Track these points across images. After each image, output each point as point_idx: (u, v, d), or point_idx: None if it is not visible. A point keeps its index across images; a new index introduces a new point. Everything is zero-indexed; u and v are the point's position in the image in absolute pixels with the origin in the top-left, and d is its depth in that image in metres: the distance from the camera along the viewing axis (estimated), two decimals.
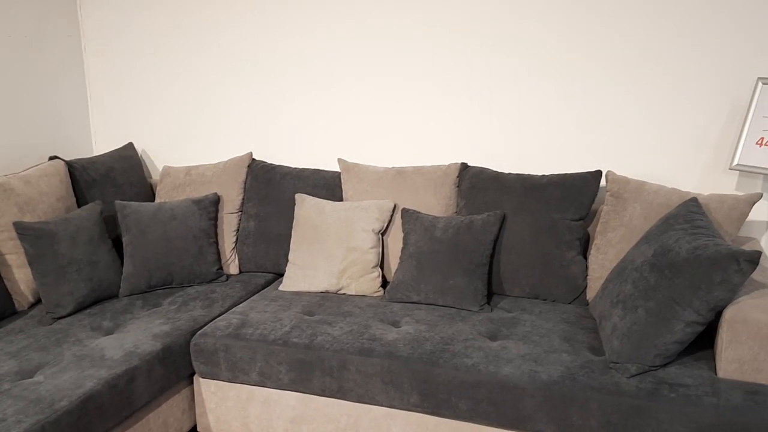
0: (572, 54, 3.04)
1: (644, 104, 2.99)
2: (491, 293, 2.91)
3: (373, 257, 2.94)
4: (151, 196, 3.53)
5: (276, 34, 3.46)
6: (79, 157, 3.80)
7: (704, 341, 2.40)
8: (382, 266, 3.04)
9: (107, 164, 3.39)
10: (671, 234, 2.35)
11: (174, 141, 3.77)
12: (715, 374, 2.19)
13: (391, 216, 3.03)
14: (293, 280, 2.99)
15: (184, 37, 3.62)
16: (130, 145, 3.62)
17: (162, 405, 2.56)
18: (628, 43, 2.95)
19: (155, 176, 3.84)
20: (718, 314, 2.23)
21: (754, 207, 2.91)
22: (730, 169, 2.74)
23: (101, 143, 3.90)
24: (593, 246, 2.82)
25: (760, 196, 2.54)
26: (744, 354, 2.13)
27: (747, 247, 2.70)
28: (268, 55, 3.50)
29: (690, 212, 2.47)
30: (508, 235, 2.85)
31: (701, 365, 2.24)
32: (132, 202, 3.13)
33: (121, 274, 3.02)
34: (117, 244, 3.20)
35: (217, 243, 3.21)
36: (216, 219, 3.24)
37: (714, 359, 2.27)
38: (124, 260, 3.02)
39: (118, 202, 3.11)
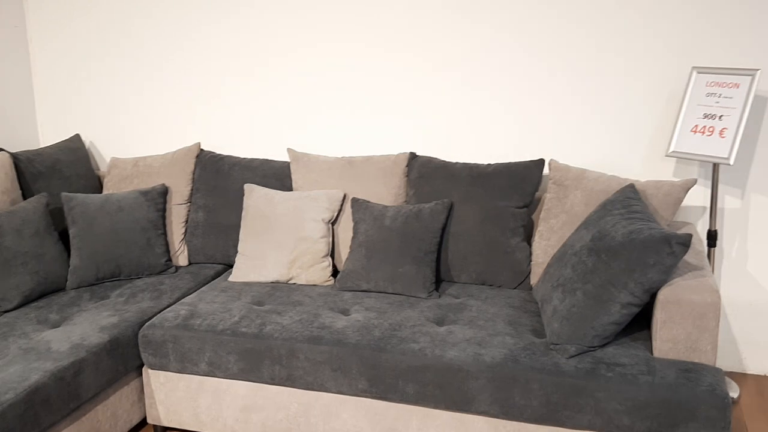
0: (516, 46, 3.10)
1: (585, 95, 3.07)
2: (439, 280, 2.96)
3: (323, 247, 2.97)
4: (98, 188, 3.49)
5: (225, 25, 3.45)
6: (25, 149, 3.72)
7: (641, 322, 2.49)
8: (332, 256, 3.07)
9: (54, 156, 3.34)
10: (608, 219, 2.43)
11: (122, 132, 3.73)
12: (651, 354, 2.28)
13: (341, 205, 3.06)
14: (243, 271, 3.00)
15: (131, 28, 3.58)
16: (77, 137, 3.57)
17: (111, 397, 2.56)
18: (570, 35, 3.03)
19: (103, 168, 3.80)
20: (654, 296, 2.32)
21: (689, 192, 3.02)
22: (666, 156, 2.84)
23: (48, 135, 3.84)
24: (536, 232, 2.90)
25: (694, 182, 2.63)
26: (678, 333, 2.22)
27: (682, 232, 2.80)
28: (216, 45, 3.48)
29: (627, 198, 2.55)
30: (456, 223, 2.91)
31: (638, 345, 2.33)
32: (78, 194, 3.09)
33: (68, 266, 2.99)
34: (64, 237, 3.16)
35: (165, 234, 3.20)
36: (164, 210, 3.22)
37: (650, 339, 2.36)
38: (71, 253, 2.99)
39: (64, 194, 3.07)
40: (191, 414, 2.65)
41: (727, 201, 3.01)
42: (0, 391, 2.12)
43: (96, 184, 3.50)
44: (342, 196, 3.06)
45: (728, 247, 3.05)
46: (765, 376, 3.12)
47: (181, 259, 3.25)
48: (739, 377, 3.11)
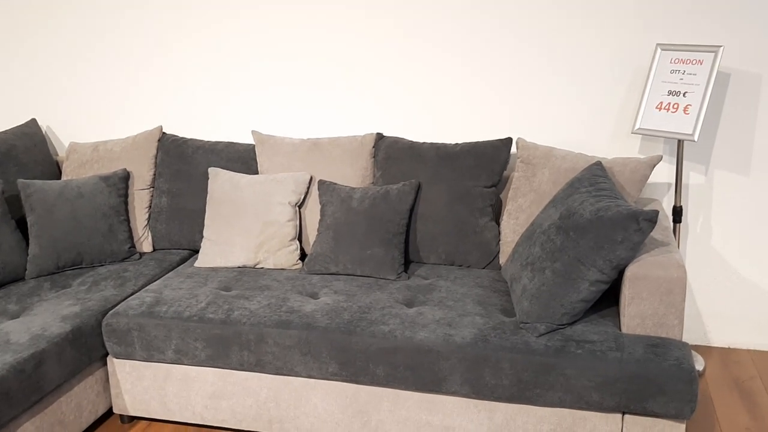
0: (481, 24, 3.07)
1: (551, 73, 3.06)
2: (408, 261, 2.94)
3: (290, 230, 2.93)
4: (57, 174, 3.40)
5: (185, 4, 3.36)
6: None
7: (609, 299, 2.50)
8: (300, 239, 3.03)
9: (8, 142, 3.23)
10: (576, 197, 2.43)
11: (80, 116, 3.63)
12: (620, 330, 2.30)
13: (308, 188, 3.02)
14: (209, 256, 2.95)
15: (87, 6, 3.47)
16: (33, 122, 3.46)
17: (75, 388, 2.50)
18: (536, 13, 3.01)
19: (61, 153, 3.70)
20: (621, 272, 2.33)
21: (655, 169, 3.04)
22: (632, 133, 2.85)
23: (1, 120, 3.72)
24: (505, 212, 2.89)
25: (660, 159, 2.65)
26: (645, 309, 2.24)
27: (648, 208, 2.82)
28: (176, 25, 3.39)
29: (594, 176, 2.56)
30: (424, 204, 2.89)
31: (606, 322, 2.34)
32: (36, 181, 3.00)
33: (27, 255, 2.90)
34: (21, 225, 3.07)
35: (128, 221, 3.13)
36: (126, 196, 3.15)
37: (618, 316, 2.38)
38: (30, 241, 2.91)
39: (20, 180, 2.98)
40: (159, 402, 2.61)
41: (692, 177, 3.03)
42: None
43: (54, 170, 3.40)
44: (308, 178, 3.02)
45: (693, 222, 3.08)
46: (729, 348, 3.18)
47: (145, 245, 3.18)
48: (704, 350, 3.16)
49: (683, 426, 2.16)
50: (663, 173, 3.06)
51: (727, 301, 3.13)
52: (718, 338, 3.19)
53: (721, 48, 2.65)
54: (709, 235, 3.07)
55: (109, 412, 2.79)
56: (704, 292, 3.15)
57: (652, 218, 2.15)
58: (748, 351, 3.14)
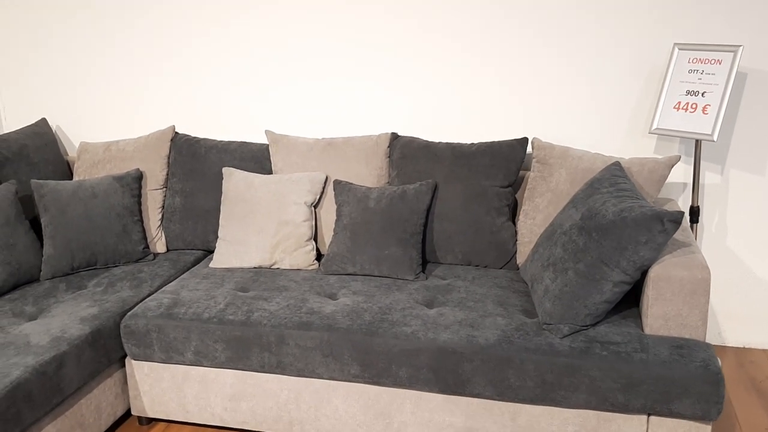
0: (497, 23, 3.06)
1: (566, 72, 3.05)
2: (425, 261, 2.93)
3: (306, 230, 2.92)
4: (68, 174, 3.37)
5: (198, 3, 3.33)
6: None
7: (628, 300, 2.50)
8: (315, 239, 3.01)
9: (20, 141, 3.21)
10: (597, 197, 2.43)
11: (90, 116, 3.60)
12: (642, 331, 2.29)
13: (323, 188, 3.01)
14: (224, 257, 2.94)
15: (97, 6, 3.44)
16: (44, 121, 3.44)
17: (94, 390, 2.48)
18: (551, 13, 3.00)
19: (72, 153, 3.67)
20: (643, 273, 2.32)
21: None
22: (649, 133, 2.85)
23: (11, 120, 3.69)
24: (521, 212, 2.88)
25: (678, 159, 2.64)
26: (669, 310, 2.24)
27: (666, 208, 2.81)
28: (189, 23, 3.37)
29: (614, 176, 2.55)
30: (440, 204, 2.88)
31: (628, 323, 2.33)
32: (49, 181, 2.98)
33: (42, 256, 2.88)
34: (33, 226, 3.05)
35: (141, 221, 3.11)
36: (140, 196, 3.13)
37: (639, 317, 2.37)
38: (44, 242, 2.89)
39: (34, 181, 2.95)
40: (177, 404, 2.59)
41: (707, 177, 3.03)
42: None
43: (65, 169, 3.37)
44: (324, 178, 3.00)
45: (708, 222, 3.08)
46: (744, 348, 3.18)
47: (159, 245, 3.16)
48: (719, 350, 3.17)
49: (709, 427, 2.16)
50: (677, 173, 3.06)
51: (742, 301, 3.13)
52: (733, 338, 3.19)
53: (741, 48, 2.65)
54: (724, 235, 3.07)
55: (127, 414, 2.77)
56: (719, 292, 3.15)
57: (677, 219, 2.15)
58: (764, 351, 3.14)
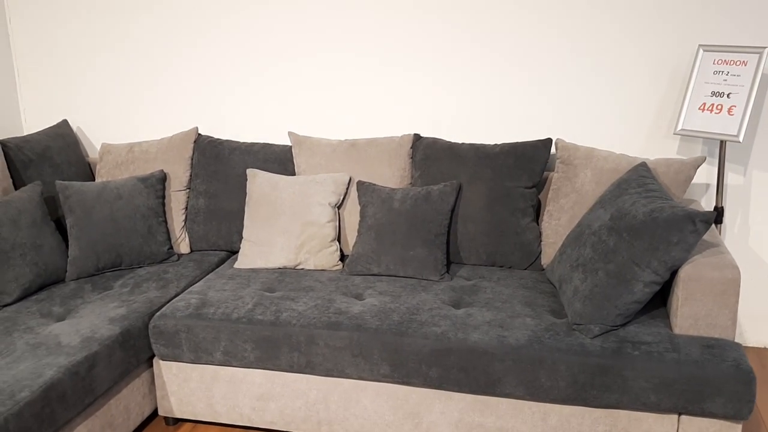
0: (520, 25, 3.07)
1: (590, 73, 3.06)
2: (449, 262, 2.94)
3: (330, 231, 2.92)
4: (90, 175, 3.39)
5: (220, 4, 3.35)
6: (9, 136, 3.59)
7: (655, 300, 2.50)
8: (338, 240, 3.02)
9: (43, 143, 3.22)
10: (626, 198, 2.43)
11: (112, 117, 3.61)
12: (671, 330, 2.30)
13: (347, 189, 3.01)
14: (249, 257, 2.94)
15: (119, 6, 3.46)
16: (65, 123, 3.45)
17: (122, 390, 2.49)
18: (575, 13, 3.01)
19: (92, 155, 3.68)
20: (672, 273, 2.33)
21: None
22: (674, 134, 2.85)
23: (32, 121, 3.71)
24: (545, 212, 2.89)
25: (704, 160, 2.65)
26: (698, 310, 2.24)
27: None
28: (213, 23, 3.38)
29: (641, 177, 2.56)
30: (464, 205, 2.88)
31: (657, 323, 2.34)
32: (74, 182, 2.99)
33: (67, 257, 2.89)
34: (58, 227, 3.06)
35: (166, 222, 3.12)
36: (164, 197, 3.14)
37: (668, 316, 2.38)
38: (69, 243, 2.90)
39: (59, 182, 2.96)
40: (205, 404, 2.60)
41: (730, 177, 3.04)
42: (14, 390, 2.04)
43: (87, 171, 3.39)
44: (347, 179, 3.01)
45: (730, 223, 3.08)
46: (766, 348, 3.18)
47: (183, 246, 3.17)
48: (743, 350, 3.16)
49: (740, 427, 2.16)
50: (700, 174, 3.06)
51: (763, 302, 3.13)
52: (754, 338, 3.20)
53: (766, 49, 2.66)
54: (746, 235, 3.08)
55: (154, 414, 2.78)
56: (741, 292, 3.15)
57: (709, 219, 2.15)
58: None
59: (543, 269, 2.87)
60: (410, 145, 3.05)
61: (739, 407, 2.10)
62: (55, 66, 3.61)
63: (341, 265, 2.94)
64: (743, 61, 2.70)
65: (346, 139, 3.13)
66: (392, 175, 3.03)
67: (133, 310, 2.58)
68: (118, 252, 2.94)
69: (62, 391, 2.14)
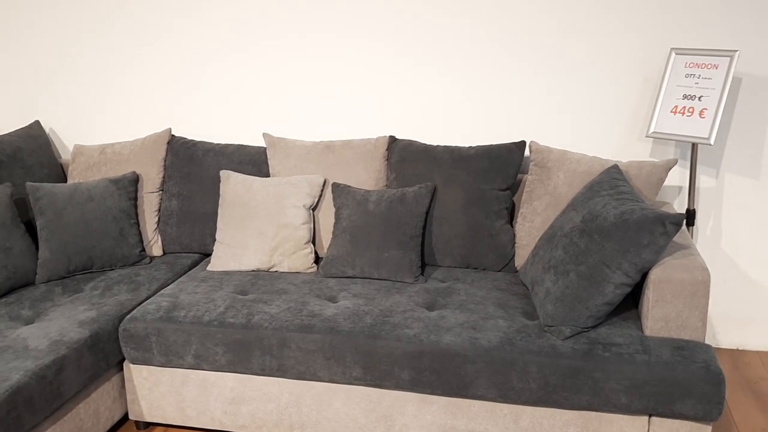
0: (494, 28, 3.08)
1: (564, 76, 3.07)
2: (424, 264, 2.94)
3: (305, 233, 2.91)
4: (62, 177, 3.34)
5: (194, 4, 3.32)
6: None
7: (627, 302, 2.51)
8: (313, 242, 3.01)
9: (14, 144, 3.18)
10: (598, 200, 2.44)
11: (84, 118, 3.57)
12: (642, 332, 2.31)
13: (321, 191, 3.00)
14: (222, 260, 2.92)
15: (91, 6, 3.42)
16: (37, 124, 3.41)
17: (92, 394, 2.46)
18: (548, 16, 3.02)
19: (65, 156, 3.64)
20: (643, 275, 2.34)
21: None
22: (646, 136, 2.87)
23: (3, 122, 3.65)
24: (519, 215, 2.90)
25: (675, 162, 2.67)
26: (669, 312, 2.25)
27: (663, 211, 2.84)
28: (186, 23, 3.36)
29: (613, 179, 2.57)
30: (439, 207, 2.88)
31: (628, 325, 2.35)
32: (45, 184, 2.95)
33: (37, 259, 2.85)
34: (29, 229, 3.02)
35: (138, 224, 3.09)
36: (136, 199, 3.11)
37: (639, 318, 2.39)
38: (40, 245, 2.86)
39: (29, 183, 2.93)
40: (176, 408, 2.57)
41: (702, 180, 3.06)
42: None
43: (59, 173, 3.34)
44: (322, 181, 3.00)
45: (703, 225, 3.11)
46: (738, 350, 3.21)
47: (155, 249, 3.14)
48: (713, 352, 3.19)
49: (709, 428, 2.18)
50: (672, 176, 3.08)
51: (736, 303, 3.16)
52: (727, 340, 3.22)
53: (737, 52, 2.68)
54: (719, 237, 3.11)
55: (125, 418, 2.75)
56: (713, 294, 3.18)
57: (678, 222, 2.17)
58: (757, 352, 3.18)
59: (517, 271, 2.88)
60: (386, 147, 3.05)
61: (708, 408, 2.11)
62: (27, 66, 3.56)
63: (315, 268, 2.93)
64: (714, 65, 2.73)
65: (321, 141, 3.12)
66: (367, 177, 3.02)
67: (104, 313, 2.55)
68: (90, 254, 2.90)
69: (29, 396, 2.11)
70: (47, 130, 3.62)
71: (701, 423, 2.17)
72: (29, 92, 3.60)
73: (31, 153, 3.23)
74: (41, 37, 3.51)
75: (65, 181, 3.34)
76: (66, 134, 3.62)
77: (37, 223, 2.88)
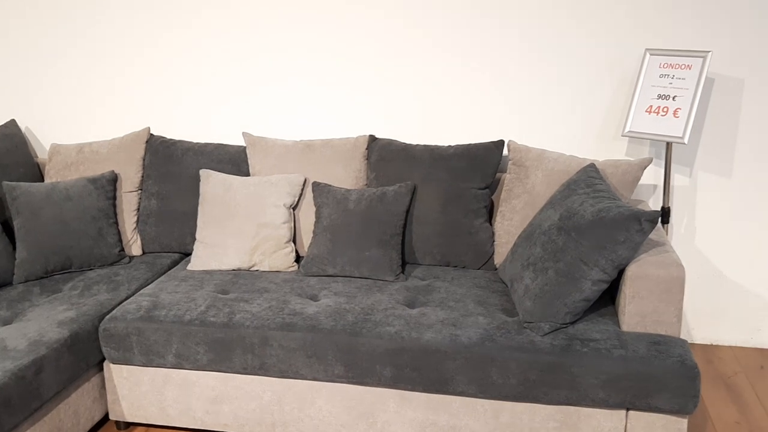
0: (473, 27, 3.11)
1: (542, 76, 3.11)
2: (404, 262, 2.96)
3: (285, 232, 2.92)
4: (39, 176, 3.31)
5: (172, 1, 3.31)
6: None
7: (604, 297, 2.56)
8: (294, 241, 3.01)
9: None
10: (575, 198, 2.48)
11: (61, 117, 3.54)
12: (619, 328, 2.35)
13: (302, 190, 3.01)
14: (202, 259, 2.92)
15: (66, 2, 3.39)
16: (13, 122, 3.37)
17: (72, 395, 2.45)
18: (525, 16, 3.06)
19: (42, 155, 3.61)
20: (620, 272, 2.38)
21: None
22: (622, 135, 2.92)
23: None
24: (498, 213, 2.93)
25: (650, 161, 2.72)
26: (645, 308, 2.30)
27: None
28: (164, 22, 3.35)
29: (590, 177, 2.61)
30: (419, 206, 2.90)
31: (606, 320, 2.39)
32: (22, 183, 2.93)
33: (14, 259, 2.83)
34: (6, 229, 2.99)
35: (117, 223, 3.07)
36: (114, 198, 3.09)
37: (616, 314, 2.43)
38: (17, 245, 2.84)
39: (6, 183, 2.90)
40: (157, 408, 2.57)
41: (676, 179, 3.12)
42: None
43: (36, 172, 3.31)
44: (303, 180, 3.01)
45: (677, 222, 3.17)
46: (712, 345, 3.27)
47: (134, 248, 3.13)
48: (689, 347, 3.25)
49: (685, 421, 2.22)
50: (647, 175, 3.14)
51: (709, 299, 3.22)
52: (701, 335, 3.28)
53: (710, 53, 2.74)
54: (693, 234, 3.17)
55: (105, 419, 2.73)
56: (687, 290, 3.24)
57: (654, 218, 2.21)
58: (731, 347, 3.24)
59: (496, 269, 2.91)
60: (365, 147, 3.06)
61: (684, 402, 2.16)
62: (3, 64, 3.52)
63: (296, 267, 2.94)
64: (688, 65, 2.78)
65: (301, 140, 3.13)
66: (347, 176, 3.03)
67: (83, 313, 2.54)
68: (68, 254, 2.88)
69: (7, 396, 2.09)
70: (23, 129, 3.58)
71: (677, 416, 2.22)
72: (4, 90, 3.56)
73: (7, 152, 3.20)
74: (17, 35, 3.47)
75: (42, 180, 3.31)
76: (42, 133, 3.58)
77: (14, 223, 2.86)
